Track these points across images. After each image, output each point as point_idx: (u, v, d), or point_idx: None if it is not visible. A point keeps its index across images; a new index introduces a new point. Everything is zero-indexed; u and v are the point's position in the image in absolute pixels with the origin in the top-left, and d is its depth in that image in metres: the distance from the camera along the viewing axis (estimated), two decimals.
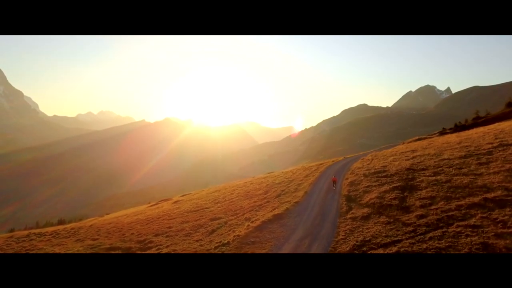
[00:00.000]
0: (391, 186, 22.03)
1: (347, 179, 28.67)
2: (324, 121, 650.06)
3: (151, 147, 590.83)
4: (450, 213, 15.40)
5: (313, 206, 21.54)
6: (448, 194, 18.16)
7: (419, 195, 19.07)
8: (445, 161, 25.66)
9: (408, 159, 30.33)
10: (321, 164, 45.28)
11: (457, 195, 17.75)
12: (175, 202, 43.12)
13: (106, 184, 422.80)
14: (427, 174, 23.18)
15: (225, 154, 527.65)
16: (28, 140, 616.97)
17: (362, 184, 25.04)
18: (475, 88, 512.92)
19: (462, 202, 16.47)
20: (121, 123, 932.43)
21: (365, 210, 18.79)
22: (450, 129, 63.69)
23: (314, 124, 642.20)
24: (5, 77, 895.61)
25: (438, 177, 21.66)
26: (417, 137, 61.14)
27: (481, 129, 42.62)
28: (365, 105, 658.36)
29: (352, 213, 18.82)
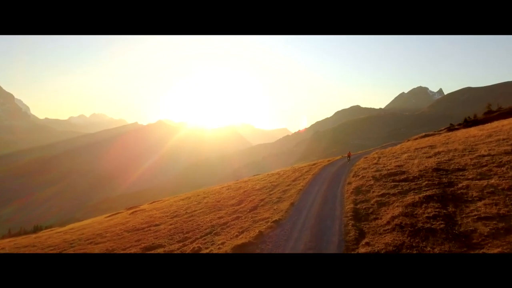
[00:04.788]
0: (420, 196, 14.36)
1: (350, 183, 20.98)
2: (317, 122, 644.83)
3: (144, 150, 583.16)
4: None
5: (302, 228, 13.68)
6: None
7: (476, 212, 11.43)
8: (486, 158, 18.15)
9: (430, 157, 22.81)
10: (314, 164, 37.48)
11: None
12: (132, 212, 34.96)
13: (100, 187, 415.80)
14: (470, 177, 15.61)
15: (219, 156, 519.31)
16: (20, 143, 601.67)
17: (373, 192, 17.34)
18: (468, 89, 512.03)
19: None
20: (114, 126, 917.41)
21: (389, 238, 11.08)
22: (459, 124, 57.02)
23: (308, 126, 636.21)
24: None
25: (491, 181, 14.09)
26: (423, 134, 54.01)
27: (504, 121, 35.35)
28: (358, 106, 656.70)
29: (367, 244, 11.08)
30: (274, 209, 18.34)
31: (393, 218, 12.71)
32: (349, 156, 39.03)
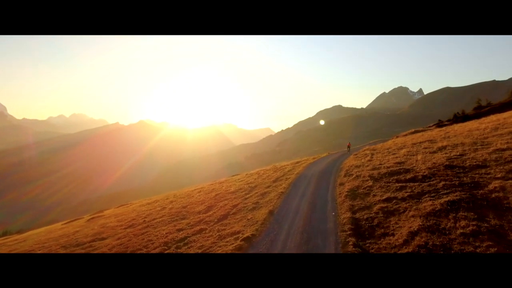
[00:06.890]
0: (442, 201, 10.67)
1: (342, 184, 17.18)
2: (300, 122, 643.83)
3: (125, 150, 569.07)
4: None
5: (283, 250, 9.72)
6: None
7: None
8: (508, 153, 14.83)
9: (434, 152, 19.32)
10: (297, 162, 33.65)
11: None
12: (89, 220, 30.27)
13: (79, 188, 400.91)
14: (499, 176, 12.06)
15: (202, 156, 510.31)
16: None
17: (374, 196, 13.55)
18: (447, 89, 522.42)
19: None
20: (94, 126, 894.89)
21: None
22: (448, 120, 54.64)
23: (290, 126, 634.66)
24: None
25: None
26: (413, 130, 51.25)
27: (504, 114, 32.59)
28: (340, 106, 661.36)
29: None
30: (248, 219, 14.27)
31: (412, 234, 8.94)
32: (348, 147, 40.77)
